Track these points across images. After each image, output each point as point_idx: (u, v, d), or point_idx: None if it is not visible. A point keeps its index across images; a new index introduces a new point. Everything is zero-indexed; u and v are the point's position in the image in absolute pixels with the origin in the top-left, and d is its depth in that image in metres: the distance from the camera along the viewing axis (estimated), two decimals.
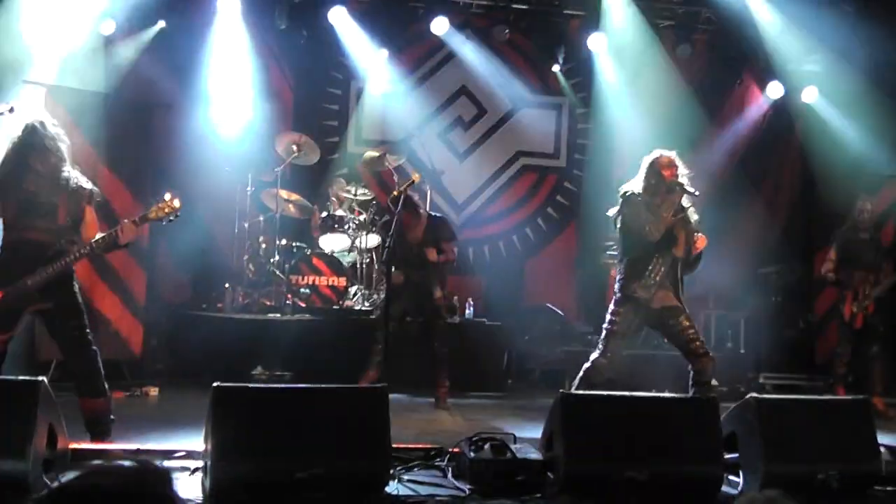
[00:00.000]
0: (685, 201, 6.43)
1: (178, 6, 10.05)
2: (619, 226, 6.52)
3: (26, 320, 5.54)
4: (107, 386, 5.61)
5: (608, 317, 6.52)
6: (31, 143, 5.42)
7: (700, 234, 6.45)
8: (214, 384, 4.53)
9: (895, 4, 9.61)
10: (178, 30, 10.00)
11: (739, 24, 10.19)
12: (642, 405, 5.26)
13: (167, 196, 5.52)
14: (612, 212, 6.57)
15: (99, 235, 5.46)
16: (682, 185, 6.32)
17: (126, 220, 5.47)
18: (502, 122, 11.76)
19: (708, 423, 5.00)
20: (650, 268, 6.36)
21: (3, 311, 5.25)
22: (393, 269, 7.75)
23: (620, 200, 6.47)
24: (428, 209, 9.30)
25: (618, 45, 10.86)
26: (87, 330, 5.55)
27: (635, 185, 6.48)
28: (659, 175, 6.36)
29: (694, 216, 6.50)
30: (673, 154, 6.47)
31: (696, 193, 6.36)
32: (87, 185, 5.58)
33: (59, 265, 5.31)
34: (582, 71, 11.49)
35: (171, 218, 5.55)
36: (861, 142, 10.32)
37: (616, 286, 6.57)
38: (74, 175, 5.56)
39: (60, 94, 8.04)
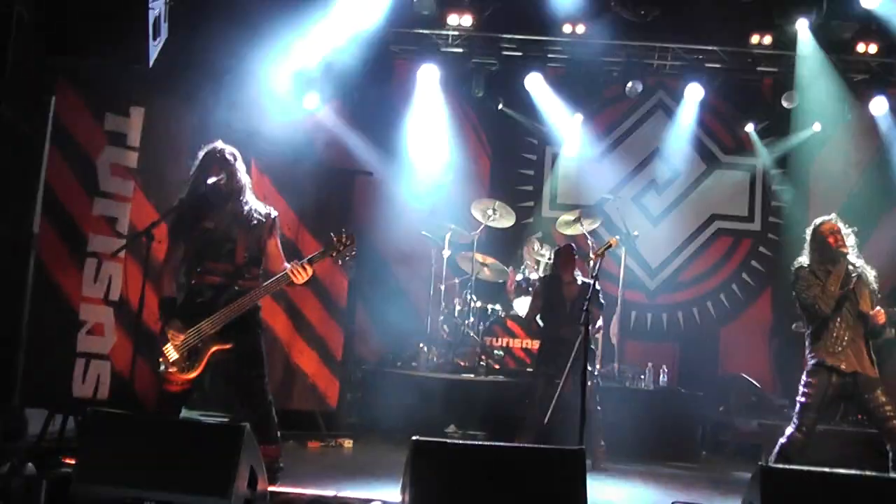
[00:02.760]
0: (854, 262, 6.23)
1: (380, 78, 10.53)
2: (797, 300, 6.37)
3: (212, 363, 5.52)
4: (279, 434, 5.70)
5: (801, 388, 6.32)
6: (206, 173, 5.46)
7: (879, 309, 6.22)
8: (414, 437, 4.62)
9: None
10: (379, 100, 10.47)
11: None
12: (845, 483, 5.02)
13: (342, 235, 5.53)
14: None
15: (271, 280, 5.51)
16: (845, 254, 6.18)
17: (294, 262, 5.47)
18: (696, 184, 11.64)
19: None
20: (833, 334, 6.18)
21: (186, 353, 5.43)
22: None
23: (793, 275, 6.36)
24: (622, 274, 9.30)
25: (812, 101, 10.55)
26: (265, 380, 5.62)
27: (804, 257, 6.39)
28: (824, 243, 6.26)
29: (871, 274, 6.29)
30: (833, 218, 6.38)
31: (858, 263, 6.22)
32: (265, 214, 5.58)
33: (234, 308, 5.41)
34: (776, 130, 11.25)
35: (349, 255, 5.53)
36: None
37: (806, 355, 6.39)
38: (253, 205, 5.59)
39: (266, 164, 8.34)
